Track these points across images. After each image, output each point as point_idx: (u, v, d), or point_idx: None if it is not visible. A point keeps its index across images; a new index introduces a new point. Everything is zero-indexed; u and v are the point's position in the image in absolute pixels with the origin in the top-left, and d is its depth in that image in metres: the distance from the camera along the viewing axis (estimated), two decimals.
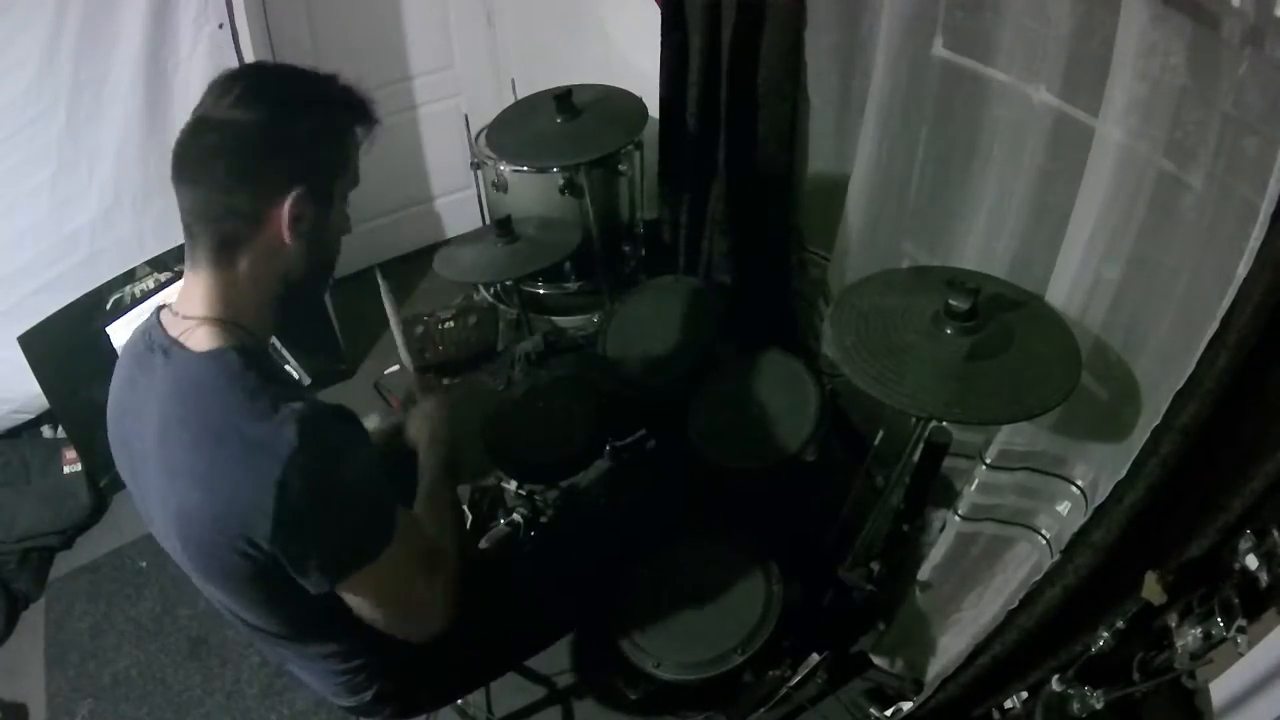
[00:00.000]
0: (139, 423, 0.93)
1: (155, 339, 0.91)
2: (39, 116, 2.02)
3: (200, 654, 1.97)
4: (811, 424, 1.58)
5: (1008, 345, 1.08)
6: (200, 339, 0.88)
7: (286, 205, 0.87)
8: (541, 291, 2.39)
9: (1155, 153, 1.02)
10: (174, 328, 0.90)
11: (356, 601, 0.94)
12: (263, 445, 0.82)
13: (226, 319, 0.90)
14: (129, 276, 2.16)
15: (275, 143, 0.85)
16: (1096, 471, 1.26)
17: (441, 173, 3.05)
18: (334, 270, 1.04)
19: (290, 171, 0.87)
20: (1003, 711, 1.31)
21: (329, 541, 0.87)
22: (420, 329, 2.12)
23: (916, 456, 1.23)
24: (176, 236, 1.01)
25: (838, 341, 1.12)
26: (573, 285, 2.35)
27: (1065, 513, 1.32)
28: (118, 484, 2.32)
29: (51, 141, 2.05)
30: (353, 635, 1.08)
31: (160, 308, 0.95)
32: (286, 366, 2.13)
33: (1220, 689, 0.89)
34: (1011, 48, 1.24)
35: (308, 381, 2.12)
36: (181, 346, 0.89)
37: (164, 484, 0.90)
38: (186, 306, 0.91)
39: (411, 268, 3.08)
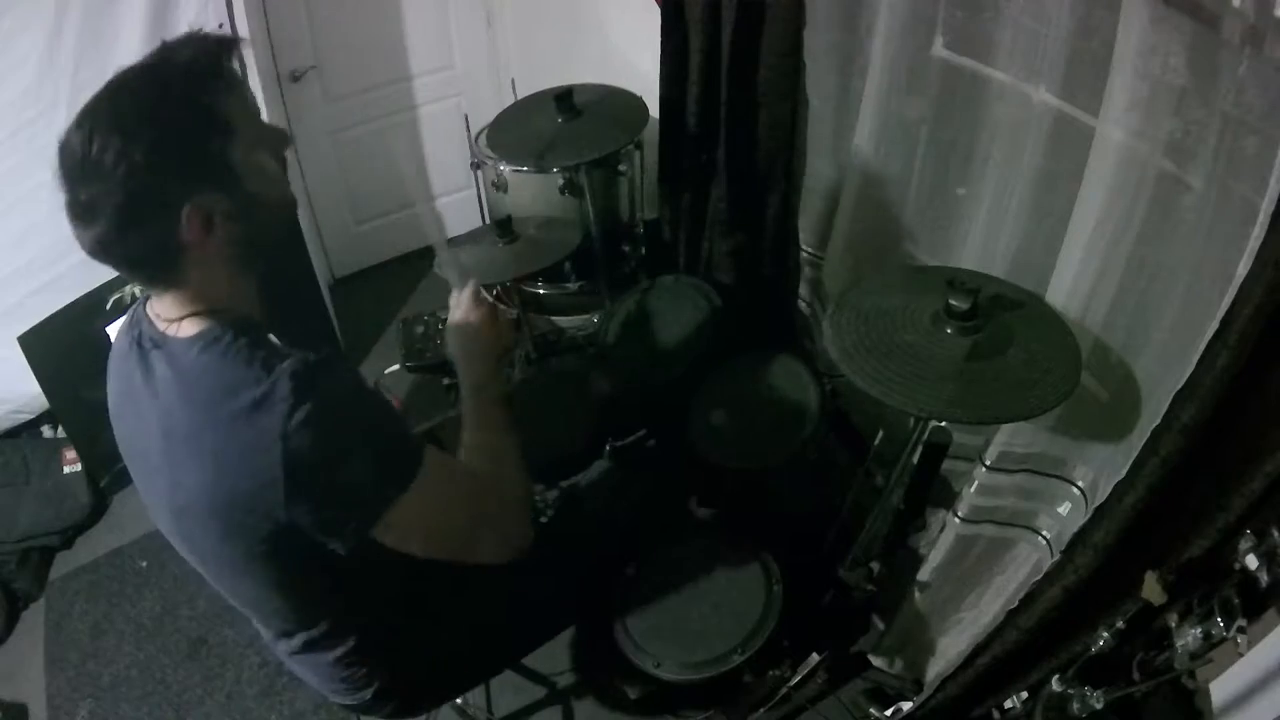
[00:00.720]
0: (140, 419, 0.93)
1: (146, 334, 0.92)
2: (39, 116, 2.02)
3: (200, 654, 1.97)
4: (811, 424, 1.58)
5: (1008, 345, 1.08)
6: (187, 327, 0.89)
7: (186, 223, 0.82)
8: (541, 291, 2.39)
9: (1155, 153, 1.02)
10: (160, 324, 0.91)
11: (402, 540, 0.92)
12: (260, 407, 0.81)
13: (205, 310, 0.89)
14: None
15: (141, 180, 0.79)
16: (1096, 472, 1.26)
17: (441, 173, 3.05)
18: (290, 205, 0.96)
19: (170, 195, 0.81)
20: (1003, 711, 1.31)
21: (347, 487, 0.85)
22: (420, 329, 2.12)
23: (916, 457, 1.23)
24: None
25: (838, 341, 1.12)
26: (573, 285, 2.35)
27: (1065, 513, 1.32)
28: (118, 484, 2.32)
29: (51, 141, 2.03)
30: (359, 628, 1.09)
31: (145, 300, 0.95)
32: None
33: (1220, 689, 0.89)
34: (1011, 48, 1.24)
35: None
36: (172, 337, 0.89)
37: (171, 474, 0.90)
38: (164, 310, 0.90)
39: (411, 268, 3.08)
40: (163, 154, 0.80)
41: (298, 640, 1.09)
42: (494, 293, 2.34)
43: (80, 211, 0.82)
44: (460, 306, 1.20)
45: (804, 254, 1.97)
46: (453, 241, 2.04)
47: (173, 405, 0.87)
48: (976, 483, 1.36)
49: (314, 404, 0.81)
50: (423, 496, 0.90)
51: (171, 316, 0.89)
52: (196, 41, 0.87)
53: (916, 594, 1.57)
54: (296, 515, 0.84)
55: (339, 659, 1.11)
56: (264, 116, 0.95)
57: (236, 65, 0.88)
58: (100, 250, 0.83)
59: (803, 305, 2.05)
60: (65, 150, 0.81)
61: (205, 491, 0.87)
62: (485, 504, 1.01)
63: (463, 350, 1.16)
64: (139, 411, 0.93)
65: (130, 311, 0.97)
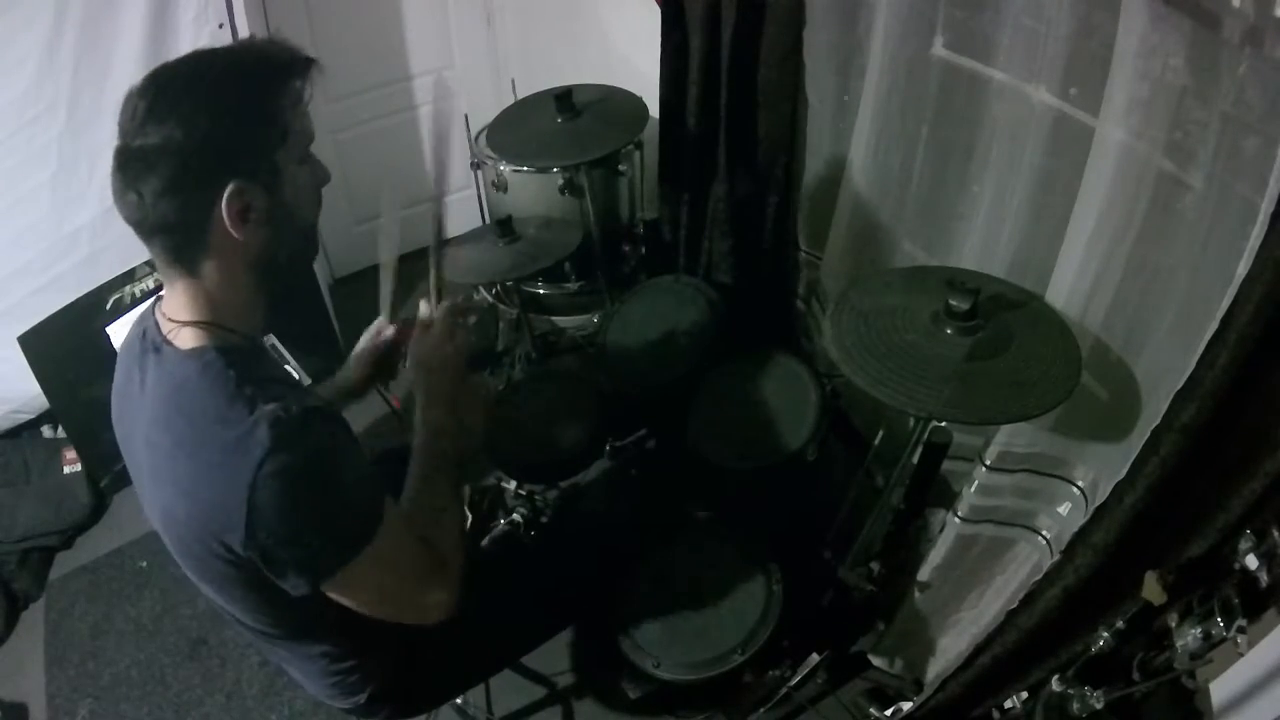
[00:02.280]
0: (133, 422, 0.93)
1: (150, 335, 0.91)
2: (39, 116, 2.02)
3: (200, 654, 1.97)
4: (811, 424, 1.58)
5: (1008, 345, 1.08)
6: (185, 338, 0.88)
7: (223, 204, 0.84)
8: (541, 291, 2.39)
9: (1155, 153, 1.02)
10: (164, 326, 0.90)
11: (346, 599, 0.93)
12: (235, 448, 0.80)
13: (210, 320, 0.89)
14: (129, 276, 2.16)
15: (195, 149, 0.81)
16: (1096, 472, 1.26)
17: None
18: (315, 235, 0.99)
19: (217, 171, 0.83)
20: (1003, 711, 1.31)
21: (304, 544, 0.85)
22: None
23: (916, 457, 1.23)
24: None
25: (838, 341, 1.12)
26: (573, 285, 2.35)
27: (1065, 513, 1.32)
28: (118, 484, 2.32)
29: (51, 141, 2.05)
30: (343, 636, 1.08)
31: (159, 299, 0.95)
32: (286, 366, 2.13)
33: (1220, 689, 0.89)
34: (1011, 47, 1.24)
35: (307, 382, 2.12)
36: (170, 344, 0.89)
37: (151, 485, 0.90)
38: (172, 310, 0.90)
39: (411, 268, 3.07)
40: (223, 128, 0.82)
41: (286, 649, 1.09)
42: (494, 292, 2.34)
43: (130, 162, 0.82)
44: (435, 333, 1.15)
45: (802, 254, 1.97)
46: (453, 241, 2.03)
47: (156, 419, 0.88)
48: (976, 482, 1.36)
49: (286, 458, 0.80)
50: (373, 561, 0.89)
51: (177, 318, 0.89)
52: (280, 47, 0.90)
53: (916, 594, 1.57)
54: (253, 554, 0.84)
55: (326, 665, 1.11)
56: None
57: (308, 85, 0.90)
58: (138, 208, 0.83)
59: (801, 305, 2.05)
60: (130, 100, 0.83)
61: (172, 512, 0.87)
62: (428, 567, 0.99)
63: (429, 384, 1.11)
64: (132, 411, 0.93)
65: (146, 308, 0.97)
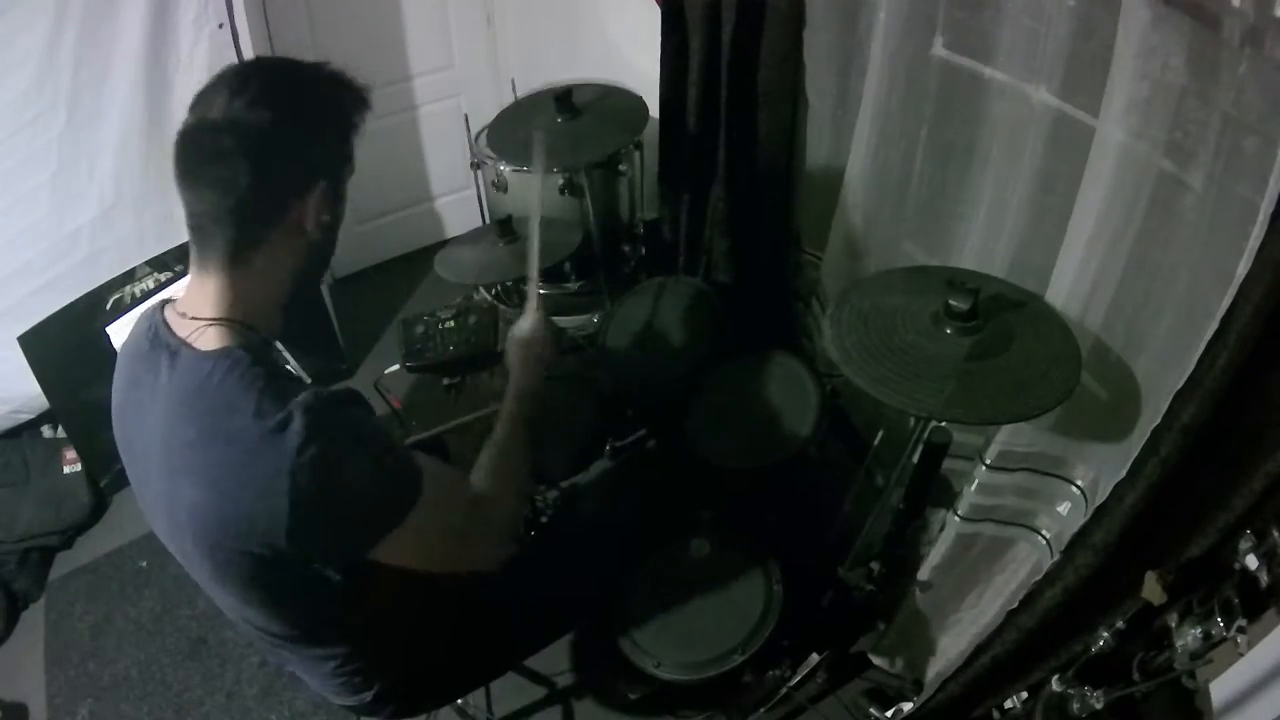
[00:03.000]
0: (142, 423, 0.92)
1: (162, 338, 0.90)
2: (39, 116, 2.02)
3: (200, 654, 1.97)
4: (811, 424, 1.58)
5: (1008, 345, 1.08)
6: (209, 339, 0.88)
7: (311, 201, 0.88)
8: (542, 291, 2.39)
9: (1155, 153, 1.02)
10: (182, 329, 0.90)
11: (397, 560, 0.93)
12: (271, 440, 0.81)
13: (237, 319, 0.89)
14: (129, 276, 2.16)
15: (293, 140, 0.86)
16: (1096, 472, 1.26)
17: (441, 173, 3.05)
18: (329, 256, 1.03)
19: (310, 168, 0.88)
20: (1003, 711, 1.31)
21: (349, 522, 0.88)
22: (420, 329, 2.11)
23: (916, 457, 1.23)
24: (176, 236, 1.00)
25: (838, 341, 1.12)
26: (573, 285, 2.35)
27: (1065, 513, 1.32)
28: (118, 484, 2.32)
29: (51, 141, 2.05)
30: (355, 637, 1.09)
31: (164, 303, 0.94)
32: (286, 367, 2.13)
33: (1220, 689, 0.89)
34: (1011, 47, 1.24)
35: (307, 382, 2.12)
36: (190, 347, 0.88)
37: (168, 485, 0.89)
38: (194, 308, 0.90)
39: (411, 268, 3.08)
40: (329, 129, 0.90)
41: (290, 649, 1.08)
42: (493, 292, 2.34)
43: (228, 136, 0.83)
44: (531, 320, 1.31)
45: (805, 255, 1.97)
46: (453, 241, 2.03)
47: (177, 418, 0.87)
48: (977, 481, 1.36)
49: (324, 441, 0.82)
50: (418, 523, 0.91)
51: (201, 315, 0.89)
52: (356, 78, 0.95)
53: (917, 593, 1.57)
54: (296, 546, 0.85)
55: (336, 667, 1.11)
56: None
57: (363, 125, 0.95)
58: (224, 183, 0.84)
59: (802, 306, 2.05)
60: (230, 78, 0.85)
61: (200, 510, 0.86)
62: (477, 521, 1.03)
63: (523, 356, 1.26)
64: (141, 415, 0.92)
65: (148, 312, 0.96)
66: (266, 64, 0.90)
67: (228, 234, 0.87)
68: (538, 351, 1.27)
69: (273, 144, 0.84)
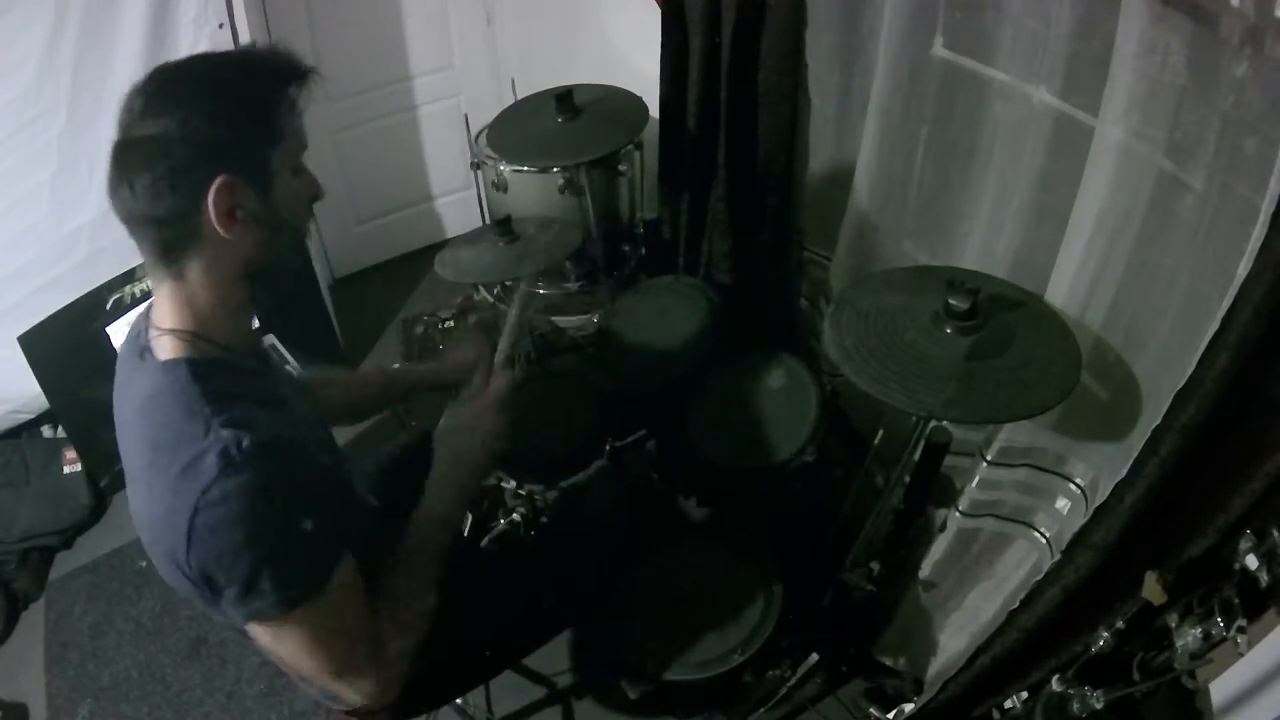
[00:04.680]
0: (121, 423, 0.93)
1: (141, 340, 0.91)
2: (39, 116, 2.02)
3: (200, 654, 1.97)
4: (811, 424, 1.58)
5: (1008, 345, 1.08)
6: (164, 347, 0.88)
7: (211, 200, 0.83)
8: (541, 291, 2.39)
9: (1155, 153, 1.02)
10: (152, 333, 0.90)
11: (270, 646, 0.88)
12: (186, 469, 0.79)
13: (190, 330, 0.88)
14: (129, 276, 2.16)
15: (188, 142, 0.82)
16: (1096, 471, 1.26)
17: (441, 173, 3.05)
18: (303, 242, 0.99)
19: (209, 165, 0.83)
20: (1003, 711, 1.31)
21: (236, 579, 0.81)
22: (420, 329, 2.12)
23: (917, 456, 1.23)
24: None
25: (838, 341, 1.12)
26: (573, 285, 2.35)
27: (1065, 511, 1.33)
28: (117, 484, 2.32)
29: (51, 141, 2.05)
30: None
31: (151, 302, 0.94)
32: (286, 367, 2.13)
33: (1220, 689, 0.89)
34: (1011, 48, 1.24)
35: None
36: (152, 355, 0.88)
37: (131, 490, 0.90)
38: (157, 317, 0.90)
39: (411, 268, 3.08)
40: (216, 122, 0.83)
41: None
42: (493, 292, 2.34)
43: (125, 155, 0.83)
44: (486, 383, 1.28)
45: (810, 255, 1.97)
46: (453, 242, 2.03)
47: (133, 427, 0.88)
48: (977, 477, 1.37)
49: (232, 486, 0.78)
50: (304, 624, 0.85)
51: (161, 325, 0.89)
52: (282, 54, 0.90)
53: (919, 591, 1.57)
54: (193, 576, 0.82)
55: None
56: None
57: (305, 94, 0.90)
58: (130, 200, 0.83)
59: (807, 305, 2.05)
60: (130, 96, 0.84)
61: (143, 518, 0.87)
62: (367, 652, 0.93)
63: (451, 444, 1.17)
64: (123, 414, 0.93)
65: (142, 312, 0.97)
66: (164, 70, 0.85)
67: (153, 249, 0.87)
68: (486, 415, 1.22)
69: (165, 152, 0.82)
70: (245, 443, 0.80)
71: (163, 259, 0.87)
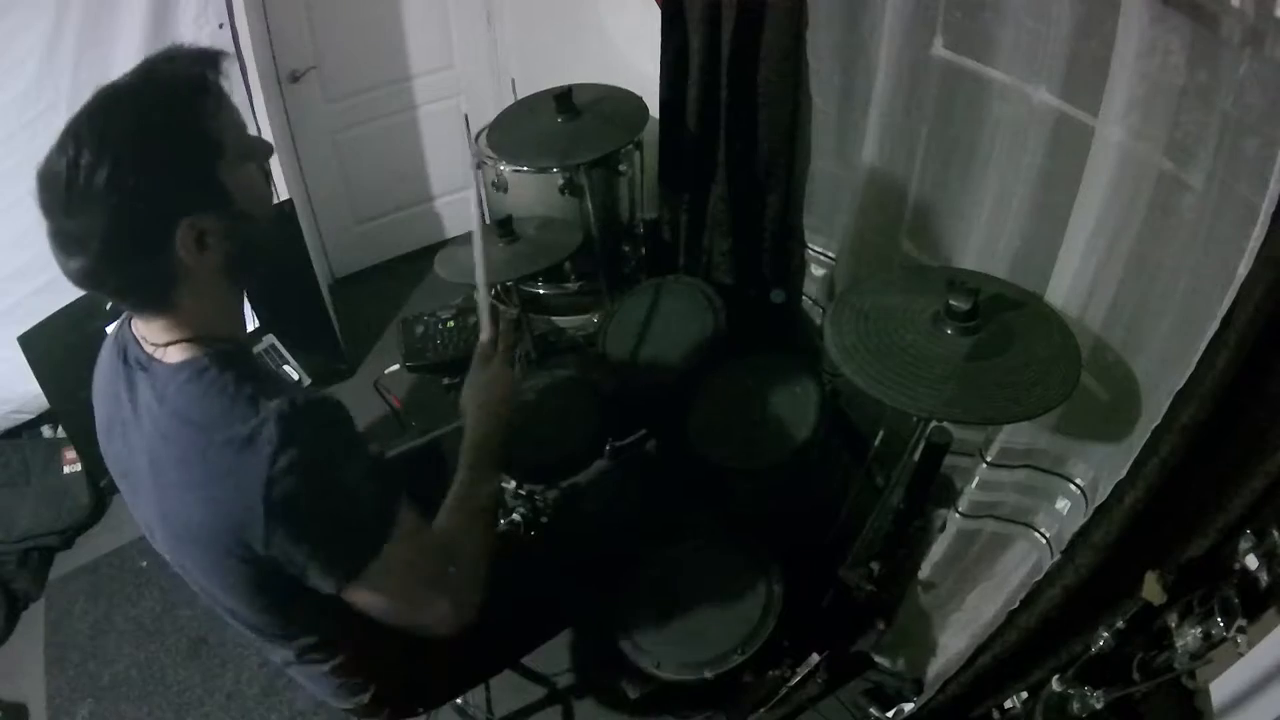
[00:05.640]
0: (127, 442, 0.92)
1: (133, 353, 0.90)
2: (39, 116, 2.02)
3: (200, 654, 1.97)
4: (812, 424, 1.58)
5: (1008, 345, 1.08)
6: (174, 354, 0.87)
7: (178, 243, 0.80)
8: (541, 291, 2.39)
9: (1155, 153, 1.02)
10: (148, 344, 0.89)
11: (364, 600, 0.91)
12: (246, 446, 0.80)
13: (192, 335, 0.87)
14: None
15: (130, 212, 0.77)
16: (1096, 471, 1.26)
17: (441, 173, 3.05)
18: (271, 204, 0.96)
19: (162, 219, 0.79)
20: (1003, 711, 1.31)
21: (324, 539, 0.85)
22: (420, 329, 2.12)
23: (917, 456, 1.23)
24: None
25: (838, 341, 1.12)
26: (573, 285, 2.35)
27: (1065, 511, 1.33)
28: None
29: (51, 141, 2.04)
30: (353, 642, 1.08)
31: (129, 318, 0.93)
32: (286, 366, 2.13)
33: (1220, 689, 0.89)
34: (1011, 48, 1.24)
35: (307, 382, 2.11)
36: (160, 362, 0.88)
37: (159, 501, 0.89)
38: (150, 333, 0.89)
39: (411, 268, 3.08)
40: (153, 176, 0.78)
41: (289, 652, 1.08)
42: (493, 292, 2.34)
43: (67, 241, 0.79)
44: (490, 359, 1.26)
45: (815, 254, 1.97)
46: (453, 241, 2.03)
47: (158, 435, 0.86)
48: (977, 478, 1.36)
49: (299, 449, 0.80)
50: (392, 561, 0.88)
51: (159, 341, 0.88)
52: (182, 57, 0.84)
53: (918, 592, 1.57)
54: (275, 553, 0.83)
55: (332, 670, 1.10)
56: (255, 123, 0.94)
57: (224, 79, 0.85)
58: (91, 280, 0.81)
59: (811, 304, 2.05)
60: (48, 177, 0.79)
61: (191, 522, 0.86)
62: (447, 574, 0.98)
63: (482, 401, 1.20)
64: (125, 434, 0.92)
65: (116, 326, 0.95)
66: (76, 126, 0.80)
67: (133, 303, 0.86)
68: (497, 398, 1.21)
69: (115, 222, 0.77)
70: (299, 400, 0.82)
71: (145, 306, 0.87)
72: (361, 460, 0.87)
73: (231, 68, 0.89)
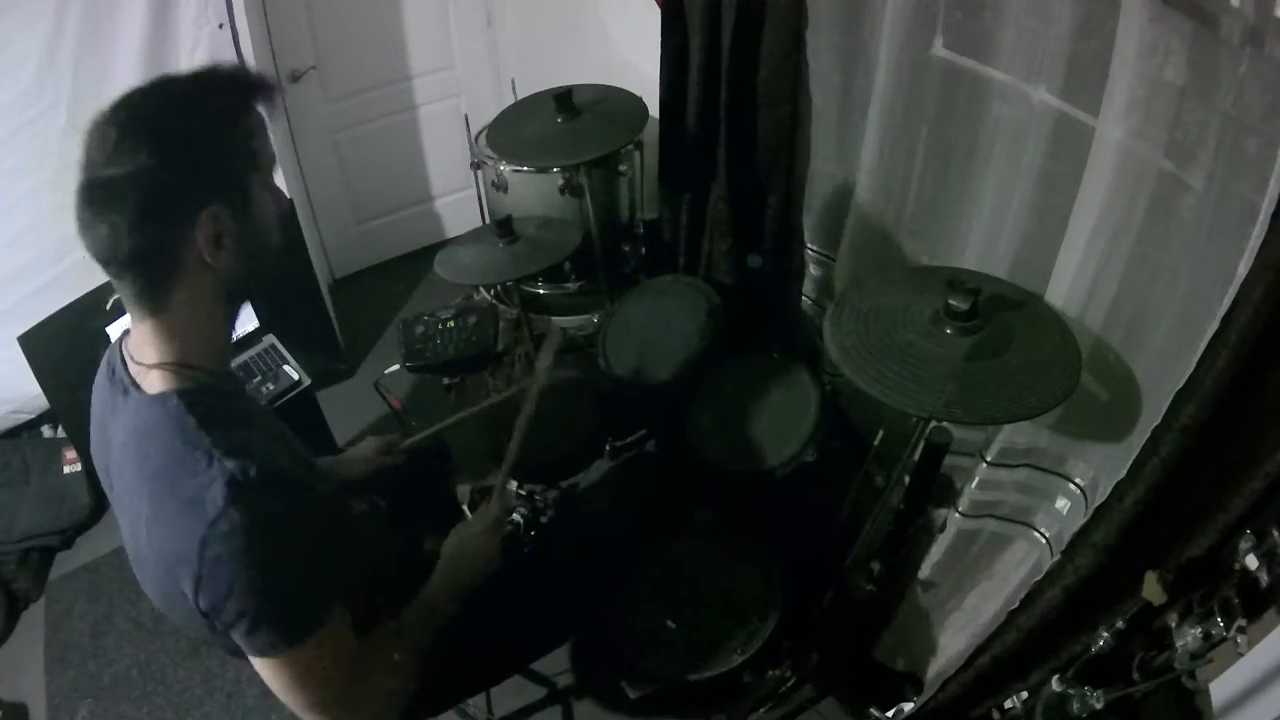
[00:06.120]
0: (111, 455, 0.93)
1: (119, 375, 0.90)
2: (39, 116, 2.02)
3: (200, 654, 1.97)
4: (811, 424, 1.58)
5: (1008, 345, 1.08)
6: (152, 382, 0.87)
7: (199, 231, 0.82)
8: (541, 291, 2.39)
9: (1155, 153, 1.02)
10: (133, 366, 0.89)
11: (269, 679, 0.89)
12: (192, 501, 0.79)
13: (177, 361, 0.87)
14: None
15: (168, 178, 0.80)
16: (1096, 471, 1.26)
17: (441, 173, 3.05)
18: (278, 251, 0.96)
19: (193, 198, 0.82)
20: (1003, 711, 1.31)
21: (247, 612, 0.82)
22: (420, 329, 2.12)
23: (917, 456, 1.23)
24: None
25: (838, 341, 1.12)
26: (573, 285, 2.35)
27: (1065, 511, 1.33)
28: None
29: (51, 141, 2.05)
30: None
31: (125, 333, 0.93)
32: (286, 366, 2.12)
33: (1220, 689, 0.89)
34: (1012, 48, 1.24)
35: (307, 382, 2.11)
36: (139, 389, 0.88)
37: (129, 522, 0.90)
38: (138, 353, 0.89)
39: (411, 268, 3.08)
40: (195, 155, 0.81)
41: None
42: (492, 292, 2.34)
43: (98, 195, 0.81)
44: (491, 513, 1.25)
45: (814, 254, 1.97)
46: (453, 241, 2.03)
47: (127, 462, 0.87)
48: (977, 478, 1.36)
49: (239, 520, 0.78)
50: (307, 657, 0.86)
51: (144, 360, 0.87)
52: (242, 73, 0.91)
53: (918, 592, 1.57)
54: (204, 608, 0.82)
55: None
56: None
57: (271, 108, 0.90)
58: (106, 243, 0.82)
59: (810, 304, 2.05)
60: (96, 132, 0.81)
61: (143, 552, 0.86)
62: (352, 689, 0.94)
63: (472, 555, 1.19)
64: (110, 448, 0.93)
65: (114, 343, 0.96)
66: (129, 103, 0.81)
67: (135, 286, 0.86)
68: (489, 543, 1.22)
69: (143, 191, 0.79)
70: (252, 472, 0.80)
71: (145, 295, 0.86)
72: (304, 545, 0.85)
73: (279, 102, 0.92)
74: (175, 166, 0.79)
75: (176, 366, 0.87)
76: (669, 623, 1.47)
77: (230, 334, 0.96)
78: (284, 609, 0.84)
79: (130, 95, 0.82)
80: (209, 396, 0.88)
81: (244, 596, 0.81)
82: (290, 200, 2.35)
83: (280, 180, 2.41)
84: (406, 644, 1.05)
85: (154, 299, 0.86)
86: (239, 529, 0.78)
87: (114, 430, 0.90)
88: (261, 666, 0.88)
